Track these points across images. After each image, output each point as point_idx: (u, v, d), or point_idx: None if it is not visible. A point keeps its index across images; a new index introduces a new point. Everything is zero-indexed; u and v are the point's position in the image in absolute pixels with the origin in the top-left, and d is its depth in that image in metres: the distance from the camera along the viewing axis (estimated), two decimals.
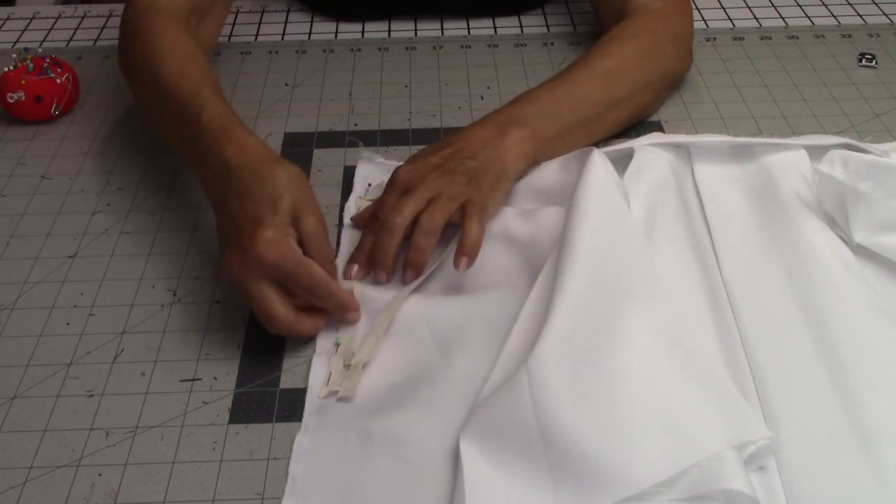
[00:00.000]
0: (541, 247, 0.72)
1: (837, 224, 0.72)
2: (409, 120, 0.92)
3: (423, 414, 0.61)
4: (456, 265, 0.69)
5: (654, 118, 0.90)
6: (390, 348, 0.66)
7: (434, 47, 1.04)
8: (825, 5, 1.11)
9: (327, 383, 0.63)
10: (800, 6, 1.11)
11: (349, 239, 0.76)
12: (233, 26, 1.09)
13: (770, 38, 1.04)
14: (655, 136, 0.81)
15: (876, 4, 1.11)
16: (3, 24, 1.12)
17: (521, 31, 1.07)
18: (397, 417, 0.61)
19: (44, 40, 1.08)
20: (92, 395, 0.64)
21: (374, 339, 0.66)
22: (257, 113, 0.93)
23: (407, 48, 1.04)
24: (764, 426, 0.57)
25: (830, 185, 0.71)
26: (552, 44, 1.04)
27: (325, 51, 1.04)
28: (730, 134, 0.82)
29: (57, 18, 1.13)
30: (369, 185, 0.82)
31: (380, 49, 1.04)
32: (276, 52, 1.04)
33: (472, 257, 0.69)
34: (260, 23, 1.10)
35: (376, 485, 0.57)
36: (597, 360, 0.58)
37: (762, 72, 0.98)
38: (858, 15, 1.09)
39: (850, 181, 0.70)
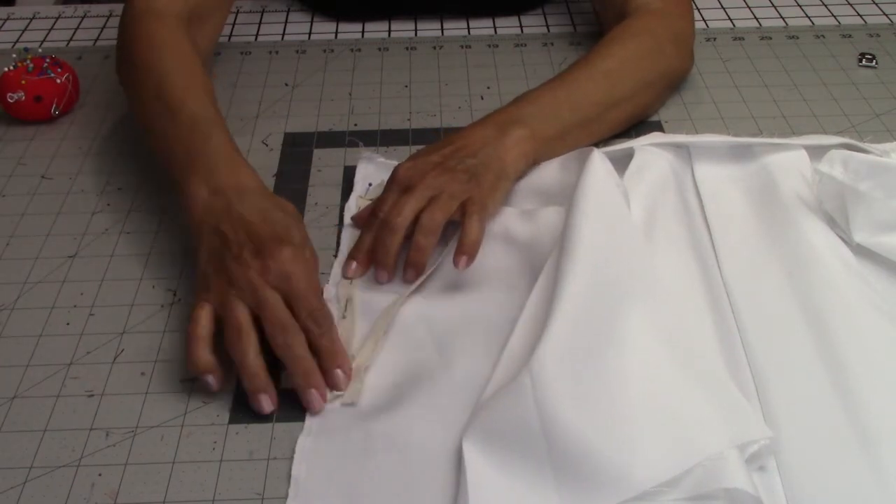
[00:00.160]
0: (541, 247, 0.72)
1: (837, 224, 0.72)
2: (409, 120, 0.92)
3: (424, 414, 0.61)
4: (455, 263, 0.69)
5: (654, 118, 0.90)
6: (391, 349, 0.66)
7: (434, 47, 1.04)
8: (825, 5, 1.11)
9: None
10: (800, 6, 1.11)
11: (349, 238, 0.76)
12: (233, 26, 1.09)
13: (770, 38, 1.04)
14: (655, 136, 0.81)
15: (876, 4, 1.11)
16: (3, 24, 1.12)
17: (521, 31, 1.07)
18: (399, 418, 0.61)
19: (44, 40, 1.08)
20: (92, 395, 0.64)
21: (373, 341, 0.66)
22: (257, 113, 0.93)
23: (407, 48, 1.04)
24: (765, 426, 0.57)
25: (830, 185, 0.71)
26: (552, 44, 1.04)
27: (325, 51, 1.04)
28: (730, 134, 0.82)
29: (57, 18, 1.13)
30: (370, 184, 0.82)
31: (380, 49, 1.04)
32: (276, 52, 1.04)
33: (471, 256, 0.69)
34: (260, 23, 1.10)
35: (379, 485, 0.57)
36: (598, 361, 0.58)
37: (762, 72, 0.98)
38: (858, 15, 1.09)
39: (850, 181, 0.70)
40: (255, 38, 1.07)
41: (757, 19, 1.09)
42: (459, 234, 0.70)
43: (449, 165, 0.73)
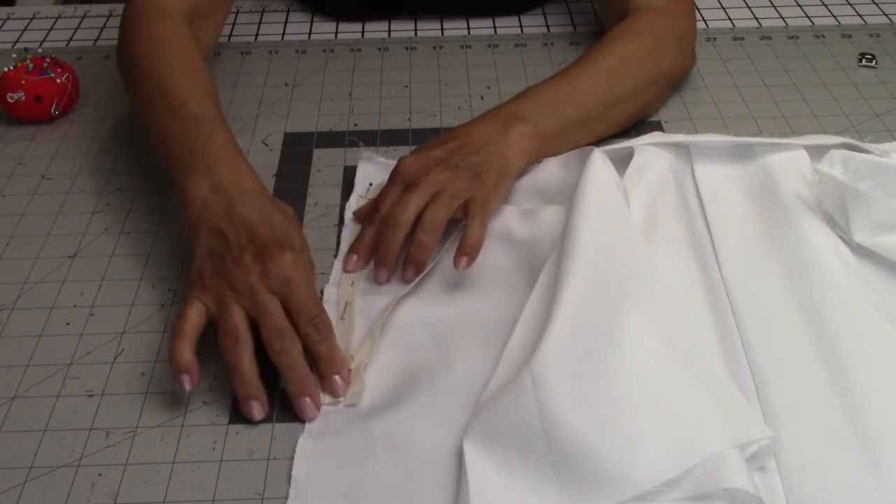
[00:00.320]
0: (540, 247, 0.72)
1: (837, 224, 0.72)
2: (409, 120, 0.92)
3: (424, 414, 0.61)
4: (456, 264, 0.69)
5: (654, 118, 0.90)
6: (390, 350, 0.66)
7: (434, 47, 1.04)
8: (825, 5, 1.11)
9: None
10: (800, 6, 1.11)
11: (349, 238, 0.76)
12: (233, 26, 1.09)
13: (770, 38, 1.04)
14: (655, 136, 0.81)
15: (876, 4, 1.11)
16: (3, 24, 1.12)
17: (521, 31, 1.07)
18: (399, 418, 0.61)
19: (44, 40, 1.08)
20: (92, 395, 0.64)
21: (370, 341, 0.66)
22: (257, 113, 0.93)
23: (407, 48, 1.04)
24: (765, 426, 0.57)
25: (830, 185, 0.71)
26: (552, 44, 1.04)
27: (325, 51, 1.04)
28: (730, 134, 0.82)
29: (57, 18, 1.13)
30: (370, 184, 0.82)
31: (380, 49, 1.04)
32: (276, 52, 1.04)
33: (472, 258, 0.69)
34: (260, 23, 1.10)
35: (379, 485, 0.57)
36: (598, 361, 0.58)
37: (762, 72, 0.98)
38: (858, 15, 1.09)
39: (850, 181, 0.70)
40: (255, 38, 1.07)
41: (757, 19, 1.09)
42: (461, 234, 0.70)
43: (452, 162, 0.73)
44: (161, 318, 0.70)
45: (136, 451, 0.60)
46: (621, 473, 0.53)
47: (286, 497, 0.57)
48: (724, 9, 1.11)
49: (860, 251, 0.70)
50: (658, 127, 0.88)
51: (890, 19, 1.08)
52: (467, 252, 0.69)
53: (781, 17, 1.09)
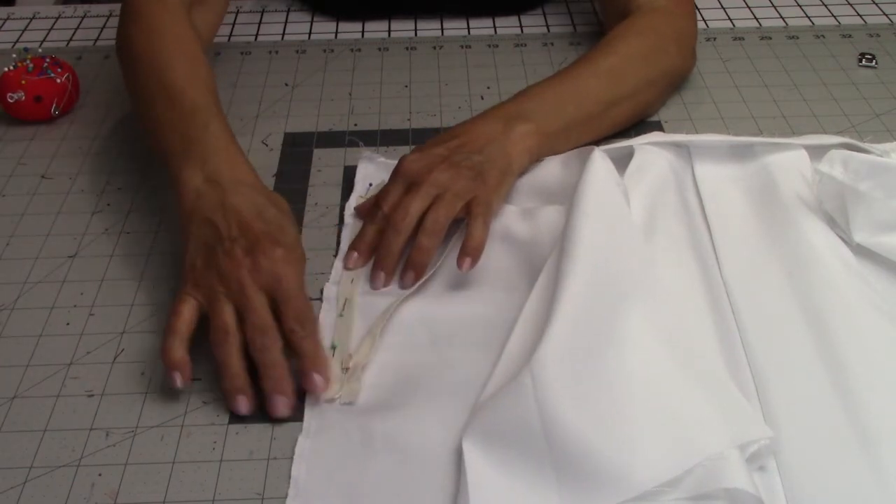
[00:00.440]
0: (540, 247, 0.72)
1: (837, 224, 0.72)
2: (409, 120, 0.92)
3: (423, 414, 0.61)
4: (459, 265, 0.69)
5: (654, 118, 0.90)
6: (389, 349, 0.66)
7: (434, 47, 1.04)
8: (825, 5, 1.11)
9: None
10: (800, 6, 1.11)
11: (349, 238, 0.76)
12: (233, 26, 1.09)
13: (770, 38, 1.04)
14: (655, 136, 0.81)
15: (876, 4, 1.11)
16: (3, 24, 1.12)
17: (521, 31, 1.07)
18: (398, 418, 0.61)
19: (44, 40, 1.08)
20: (92, 395, 0.64)
21: (370, 341, 0.66)
22: (257, 113, 0.93)
23: (407, 48, 1.04)
24: (765, 426, 0.57)
25: (830, 185, 0.71)
26: (552, 44, 1.04)
27: (325, 51, 1.04)
28: (730, 134, 0.82)
29: (57, 18, 1.13)
30: (370, 184, 0.81)
31: (380, 49, 1.04)
32: (276, 52, 1.04)
33: (475, 258, 0.69)
34: (260, 23, 1.10)
35: (379, 485, 0.57)
36: (598, 361, 0.58)
37: (762, 72, 0.98)
38: (858, 15, 1.09)
39: (850, 181, 0.70)
40: (255, 38, 1.07)
41: (757, 19, 1.09)
42: (464, 235, 0.70)
43: (454, 161, 0.73)
44: (161, 318, 0.70)
45: (136, 451, 0.60)
46: (621, 473, 0.53)
47: (286, 497, 0.57)
48: (724, 9, 1.11)
49: (860, 251, 0.70)
50: (658, 127, 0.88)
51: (890, 19, 1.08)
52: (470, 253, 0.69)
53: (781, 17, 1.09)
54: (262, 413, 0.62)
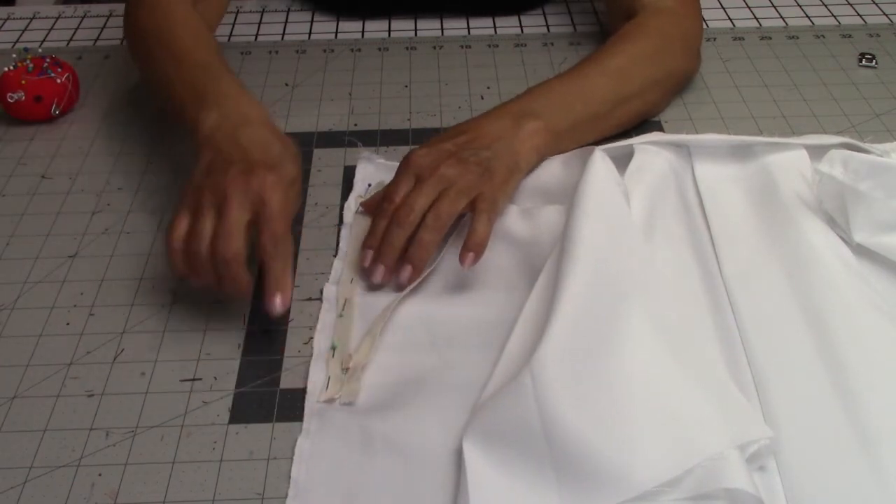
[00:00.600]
0: (541, 246, 0.72)
1: (837, 224, 0.72)
2: (409, 120, 0.92)
3: (423, 415, 0.61)
4: (461, 261, 0.69)
5: (654, 118, 0.90)
6: (389, 349, 0.66)
7: (434, 47, 1.04)
8: (825, 5, 1.11)
9: (326, 388, 0.63)
10: (800, 6, 1.11)
11: (349, 238, 0.76)
12: (233, 26, 1.09)
13: (770, 38, 1.04)
14: (655, 136, 0.81)
15: (876, 4, 1.11)
16: (3, 24, 1.12)
17: (521, 31, 1.07)
18: (398, 418, 0.61)
19: (44, 40, 1.08)
20: (92, 395, 0.64)
21: (369, 340, 0.66)
22: None
23: (407, 48, 1.04)
24: (765, 426, 0.57)
25: (830, 185, 0.71)
26: (552, 44, 1.04)
27: (325, 51, 1.04)
28: (730, 134, 0.82)
29: (57, 18, 1.13)
30: (369, 184, 0.82)
31: (380, 49, 1.04)
32: (276, 52, 1.04)
33: (478, 255, 0.69)
34: (260, 23, 1.10)
35: (379, 486, 0.57)
36: (598, 361, 0.58)
37: (762, 72, 0.98)
38: (858, 15, 1.09)
39: (850, 181, 0.70)
40: (255, 38, 1.07)
41: (757, 19, 1.09)
42: (467, 231, 0.70)
43: (462, 156, 0.73)
44: (161, 318, 0.70)
45: (136, 451, 0.60)
46: (621, 473, 0.53)
47: (286, 497, 0.57)
48: (724, 9, 1.11)
49: (860, 251, 0.70)
50: (658, 127, 0.89)
51: (890, 19, 1.08)
52: (473, 248, 0.69)
53: (781, 17, 1.09)
54: (263, 413, 0.62)
